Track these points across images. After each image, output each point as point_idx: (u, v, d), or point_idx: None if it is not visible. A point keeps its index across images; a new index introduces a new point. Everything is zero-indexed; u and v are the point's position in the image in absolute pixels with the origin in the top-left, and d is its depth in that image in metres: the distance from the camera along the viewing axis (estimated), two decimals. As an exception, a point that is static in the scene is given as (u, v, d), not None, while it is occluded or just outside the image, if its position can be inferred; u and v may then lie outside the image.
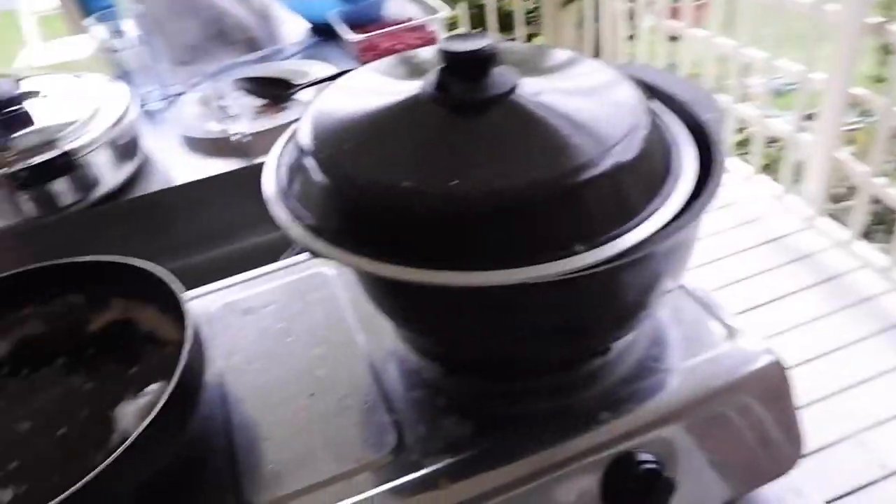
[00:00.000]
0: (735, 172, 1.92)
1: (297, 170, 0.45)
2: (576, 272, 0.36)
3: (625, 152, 0.40)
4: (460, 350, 0.49)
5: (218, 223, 0.85)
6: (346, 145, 0.42)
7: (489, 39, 0.42)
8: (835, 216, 1.76)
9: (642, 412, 0.46)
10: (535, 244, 0.37)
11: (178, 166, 0.90)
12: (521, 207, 0.38)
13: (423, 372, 0.51)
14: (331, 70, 0.99)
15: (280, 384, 0.52)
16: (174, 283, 0.51)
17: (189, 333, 0.46)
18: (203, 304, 0.62)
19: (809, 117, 1.79)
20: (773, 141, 2.13)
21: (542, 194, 0.38)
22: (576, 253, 0.37)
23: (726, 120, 1.95)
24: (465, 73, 0.42)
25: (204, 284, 0.65)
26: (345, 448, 0.46)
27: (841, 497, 1.15)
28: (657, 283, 0.44)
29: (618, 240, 0.38)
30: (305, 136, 0.44)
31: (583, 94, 0.44)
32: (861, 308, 1.48)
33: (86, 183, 0.79)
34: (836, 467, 1.19)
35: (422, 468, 0.44)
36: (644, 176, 0.41)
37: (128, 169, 0.85)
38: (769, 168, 2.07)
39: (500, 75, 0.43)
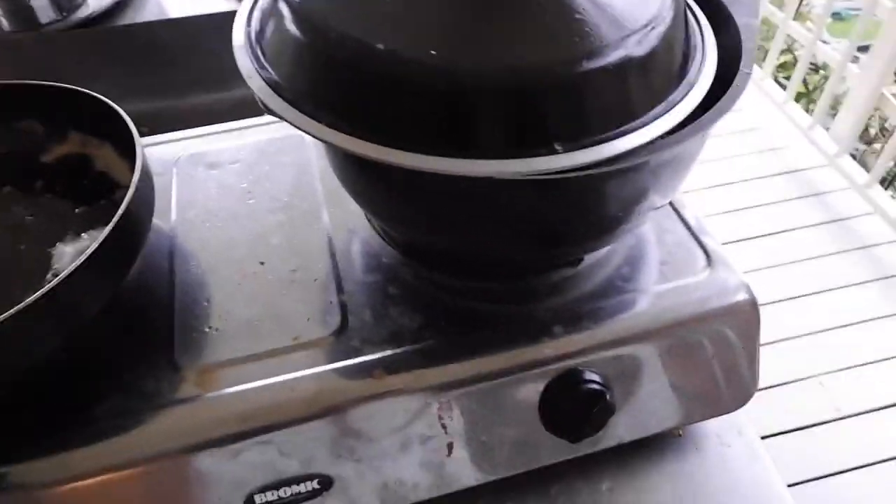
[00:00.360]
0: (768, 95, 1.82)
1: (270, 15, 0.40)
2: (546, 174, 0.33)
3: (637, 46, 0.35)
4: (418, 237, 0.46)
5: (208, 68, 0.80)
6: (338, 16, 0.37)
7: None
8: (857, 158, 1.68)
9: (598, 331, 0.44)
10: (511, 135, 0.34)
11: (172, -2, 0.83)
12: (502, 92, 0.33)
13: (383, 256, 0.49)
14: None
15: (232, 246, 0.50)
16: (131, 123, 0.47)
17: (136, 178, 0.43)
18: (169, 150, 0.58)
19: (863, 49, 1.67)
20: (816, 68, 2.00)
21: (528, 79, 0.33)
22: (554, 152, 0.33)
23: (775, 38, 1.82)
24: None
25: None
26: (285, 323, 0.45)
27: (788, 432, 1.17)
28: (643, 198, 0.40)
29: (603, 145, 0.34)
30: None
31: None
32: (861, 254, 1.44)
33: (67, 1, 0.73)
34: (792, 405, 1.21)
35: (360, 355, 0.43)
36: (652, 77, 0.36)
37: (113, -8, 0.78)
38: (804, 96, 1.97)
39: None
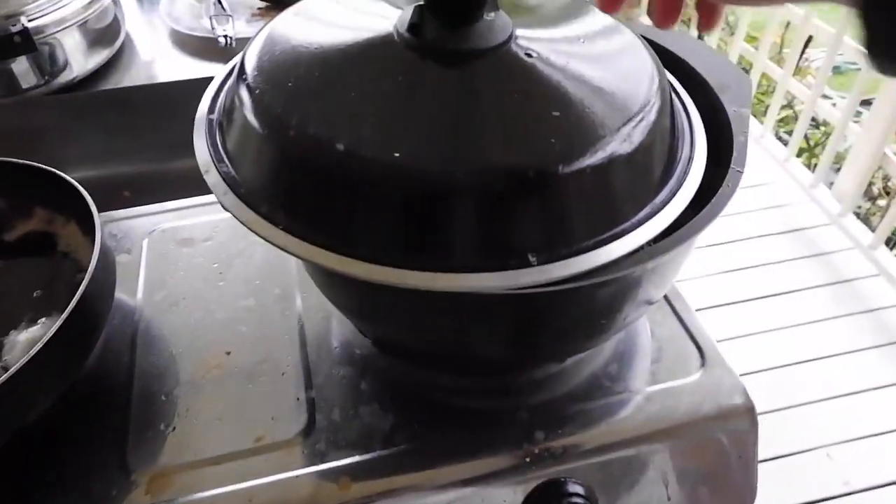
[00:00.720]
0: (769, 152, 1.81)
1: (232, 99, 0.38)
2: (517, 289, 0.30)
3: (620, 144, 0.33)
4: (387, 336, 0.43)
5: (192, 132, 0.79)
6: (288, 82, 0.35)
7: None
8: (861, 216, 1.66)
9: (583, 437, 0.41)
10: (482, 243, 0.31)
11: (160, 61, 0.82)
12: (471, 197, 0.31)
13: (356, 347, 0.46)
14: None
15: (199, 334, 0.47)
16: (92, 205, 0.45)
17: (93, 265, 0.41)
18: (142, 224, 0.56)
19: (866, 103, 1.66)
20: (817, 124, 2.00)
21: (501, 184, 0.31)
22: (527, 263, 0.31)
23: (775, 95, 1.82)
24: (447, 14, 0.34)
25: (161, 200, 0.59)
26: (249, 422, 0.42)
27: (796, 508, 1.12)
28: (625, 305, 0.37)
29: (581, 256, 0.31)
30: (248, 62, 0.37)
31: (583, 60, 0.36)
32: (867, 318, 1.40)
33: (49, 66, 0.72)
34: (799, 478, 1.15)
35: (325, 460, 0.40)
36: (635, 179, 0.34)
37: (101, 56, 0.78)
38: (805, 151, 1.96)
39: (490, 21, 0.34)
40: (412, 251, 0.31)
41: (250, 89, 0.35)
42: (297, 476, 0.39)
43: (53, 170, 0.47)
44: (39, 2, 0.69)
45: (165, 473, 0.40)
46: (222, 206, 0.34)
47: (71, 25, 0.72)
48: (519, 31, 0.35)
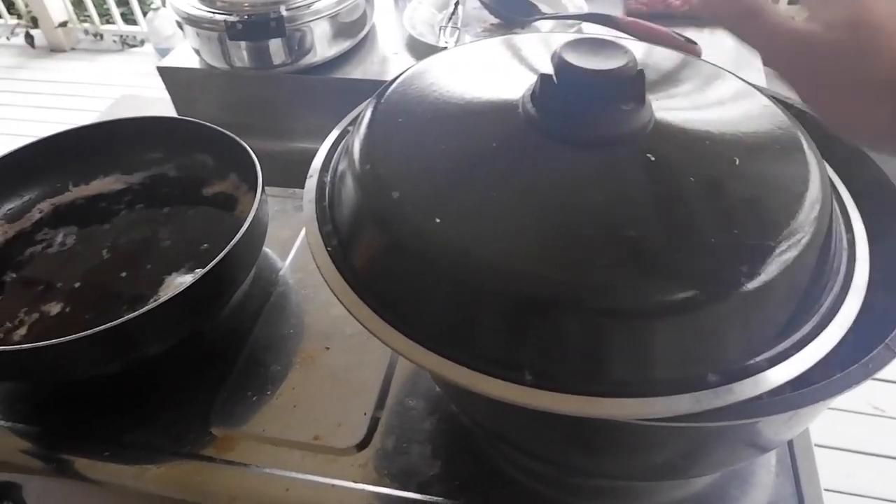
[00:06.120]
0: None
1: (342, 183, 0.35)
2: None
3: (790, 249, 0.27)
4: (485, 426, 0.40)
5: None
6: (394, 190, 0.30)
7: (628, 52, 0.30)
8: None
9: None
10: (656, 364, 0.26)
11: (392, 60, 0.89)
12: (634, 320, 0.26)
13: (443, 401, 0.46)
14: (581, 6, 0.89)
15: (313, 321, 0.51)
16: (259, 172, 0.51)
17: (243, 229, 0.46)
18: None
19: None
20: None
21: (670, 307, 0.25)
22: (708, 386, 0.25)
23: None
24: (582, 99, 0.31)
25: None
26: (316, 419, 0.45)
27: None
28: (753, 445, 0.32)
29: (759, 375, 0.26)
30: (355, 151, 0.34)
31: (736, 146, 0.30)
32: None
33: (298, 49, 0.82)
34: None
35: (361, 482, 0.41)
36: (802, 286, 0.28)
37: (342, 46, 0.86)
38: None
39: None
40: (569, 376, 0.26)
41: (365, 195, 0.32)
42: (332, 485, 0.41)
43: (245, 144, 0.54)
44: (302, -7, 0.78)
45: (234, 437, 0.44)
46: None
47: (323, 17, 0.81)
48: (659, 112, 0.32)
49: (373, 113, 0.36)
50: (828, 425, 1.19)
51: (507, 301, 0.26)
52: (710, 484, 0.41)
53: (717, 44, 0.73)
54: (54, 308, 0.49)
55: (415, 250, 0.28)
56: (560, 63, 0.30)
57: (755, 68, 0.71)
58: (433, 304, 0.28)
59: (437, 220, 0.28)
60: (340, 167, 0.36)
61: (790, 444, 0.42)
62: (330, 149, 0.39)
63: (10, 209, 0.56)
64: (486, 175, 0.30)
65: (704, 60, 0.38)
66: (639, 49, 0.36)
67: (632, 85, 0.30)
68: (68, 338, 0.39)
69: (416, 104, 0.35)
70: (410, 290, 0.29)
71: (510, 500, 0.40)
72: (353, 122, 0.41)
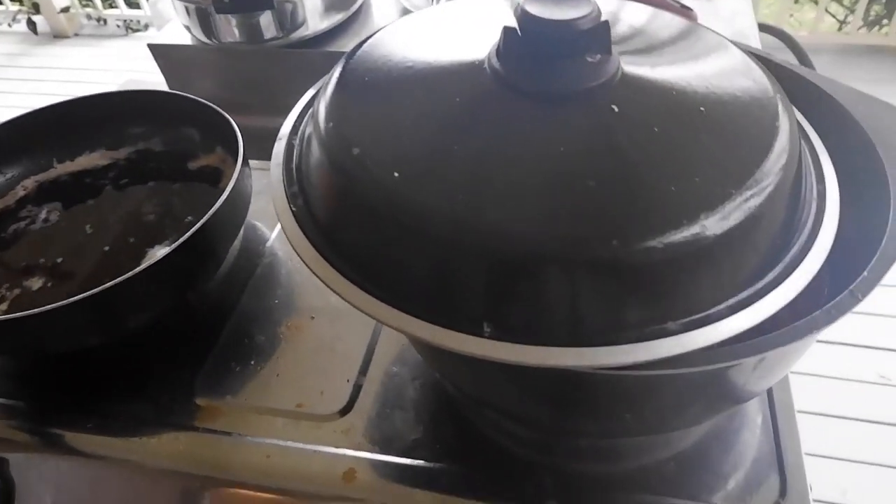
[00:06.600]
0: None
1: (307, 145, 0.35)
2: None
3: (753, 198, 0.27)
4: (461, 389, 0.41)
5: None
6: (355, 146, 0.30)
7: (591, 3, 0.29)
8: None
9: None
10: (615, 314, 0.26)
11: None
12: (594, 269, 0.25)
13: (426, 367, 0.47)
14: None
15: (299, 291, 0.52)
16: (240, 145, 0.50)
17: (222, 199, 0.46)
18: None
19: None
20: None
21: (629, 257, 0.25)
22: (667, 333, 0.25)
23: None
24: (546, 51, 0.30)
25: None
26: (300, 387, 0.45)
27: None
28: (713, 396, 0.32)
29: (718, 323, 0.26)
30: (320, 111, 0.33)
31: (704, 98, 0.30)
32: None
33: (289, 22, 0.81)
34: None
35: (344, 446, 0.42)
36: (766, 236, 0.28)
37: (335, 19, 0.85)
38: None
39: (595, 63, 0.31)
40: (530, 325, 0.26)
41: (325, 146, 0.32)
42: (314, 451, 0.41)
43: (227, 115, 0.54)
44: (290, -36, 0.78)
45: (218, 407, 0.44)
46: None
47: (308, -10, 0.80)
48: (625, 65, 0.31)
49: (341, 73, 0.35)
50: (835, 394, 1.18)
51: (465, 254, 0.26)
52: (695, 444, 0.41)
53: (714, 12, 0.71)
54: (36, 283, 0.50)
55: (373, 205, 0.28)
56: (522, 15, 0.29)
57: (752, 35, 0.70)
58: (393, 260, 0.28)
59: (396, 175, 0.28)
60: (308, 129, 0.35)
61: (771, 403, 0.42)
62: (301, 112, 0.39)
63: (-7, 187, 0.56)
64: (449, 130, 0.30)
65: (682, 18, 0.37)
66: (610, 3, 0.35)
67: (596, 35, 0.29)
68: (47, 307, 0.39)
69: (383, 63, 0.35)
70: (371, 246, 0.29)
71: (492, 464, 0.40)
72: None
